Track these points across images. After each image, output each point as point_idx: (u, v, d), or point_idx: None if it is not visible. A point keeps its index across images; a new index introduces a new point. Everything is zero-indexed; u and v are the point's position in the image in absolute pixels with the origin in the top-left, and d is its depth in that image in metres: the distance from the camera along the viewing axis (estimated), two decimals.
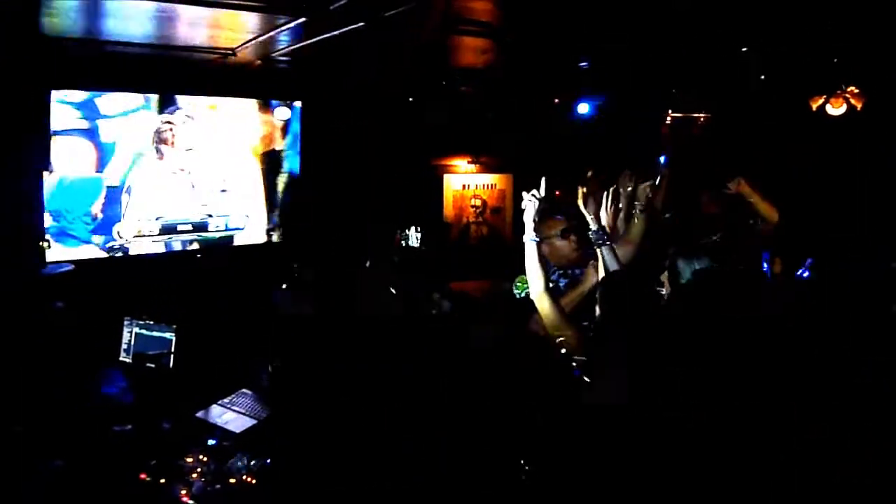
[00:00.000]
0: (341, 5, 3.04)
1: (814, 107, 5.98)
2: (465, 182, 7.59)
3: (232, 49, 4.29)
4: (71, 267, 4.46)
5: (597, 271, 3.36)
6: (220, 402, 3.58)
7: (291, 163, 5.89)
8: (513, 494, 2.83)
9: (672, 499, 2.27)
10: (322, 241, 5.90)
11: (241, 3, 3.12)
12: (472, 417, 3.18)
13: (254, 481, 2.99)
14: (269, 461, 3.05)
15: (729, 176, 3.90)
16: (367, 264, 4.57)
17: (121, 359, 4.02)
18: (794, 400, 2.38)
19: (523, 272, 3.24)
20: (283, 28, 3.59)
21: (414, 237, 5.68)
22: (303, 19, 3.36)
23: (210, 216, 5.45)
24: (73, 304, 4.20)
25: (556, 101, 6.65)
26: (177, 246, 5.27)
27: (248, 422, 3.40)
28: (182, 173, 5.26)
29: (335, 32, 3.66)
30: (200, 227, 5.41)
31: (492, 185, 7.71)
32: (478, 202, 7.65)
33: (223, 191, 5.51)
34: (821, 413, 2.36)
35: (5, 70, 4.13)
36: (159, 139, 5.08)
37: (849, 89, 5.78)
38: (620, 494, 2.33)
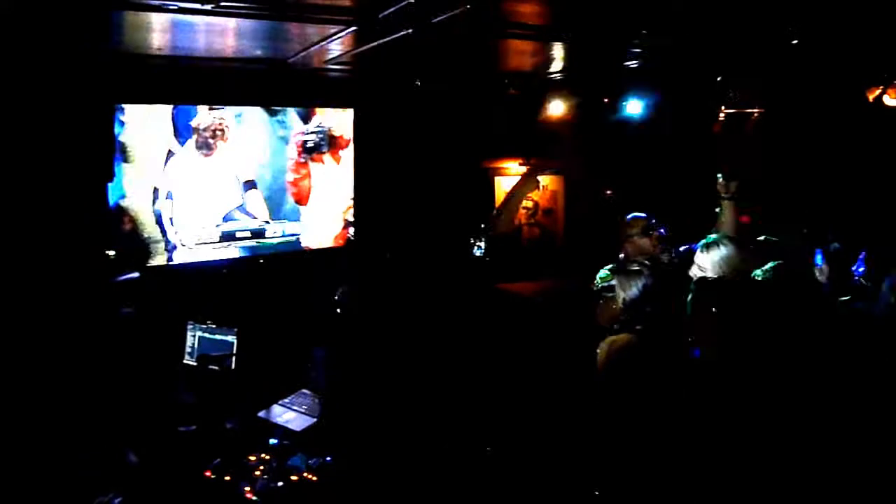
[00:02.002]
0: (390, 13, 3.10)
1: (871, 98, 5.82)
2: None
3: (285, 59, 4.41)
4: (137, 275, 4.64)
5: None
6: (280, 401, 3.68)
7: (346, 169, 6.00)
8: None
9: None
10: (379, 245, 6.01)
11: (294, 14, 3.21)
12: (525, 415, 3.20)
13: (315, 479, 3.06)
14: (329, 459, 3.13)
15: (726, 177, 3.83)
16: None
17: (185, 362, 4.15)
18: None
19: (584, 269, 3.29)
20: (335, 38, 3.68)
21: (478, 248, 5.74)
22: (353, 28, 3.45)
23: (267, 223, 5.59)
24: (141, 310, 4.37)
25: (606, 100, 6.60)
26: (238, 253, 5.42)
27: (308, 420, 3.48)
28: (239, 181, 5.41)
29: (385, 40, 3.73)
30: (258, 233, 5.55)
31: (543, 187, 7.70)
32: (529, 204, 7.64)
33: (279, 199, 5.64)
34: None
35: (72, 83, 4.31)
36: (208, 145, 5.23)
37: None
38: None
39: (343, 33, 3.56)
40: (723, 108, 7.05)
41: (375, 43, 3.86)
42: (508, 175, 7.49)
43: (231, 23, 3.40)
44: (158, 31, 3.67)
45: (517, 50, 4.51)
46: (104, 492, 2.37)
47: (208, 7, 2.97)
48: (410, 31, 3.43)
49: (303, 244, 5.82)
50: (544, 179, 7.66)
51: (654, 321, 2.96)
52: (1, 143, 4.29)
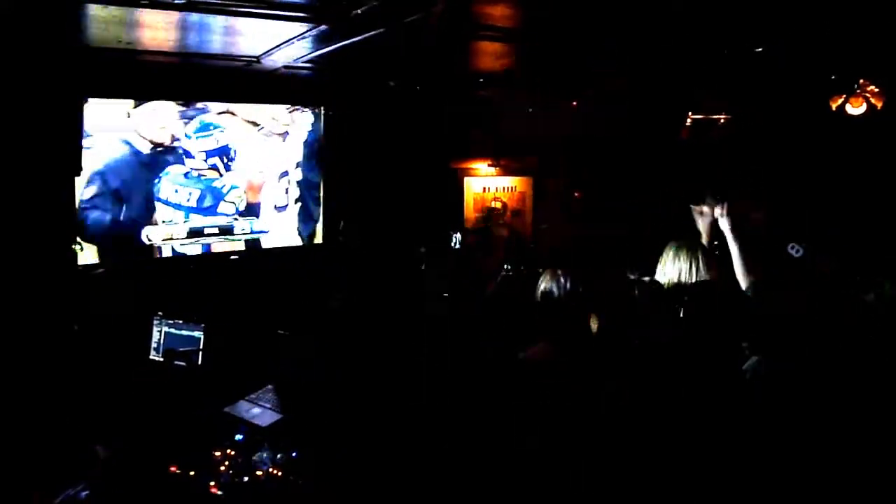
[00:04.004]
0: (363, 12, 3.13)
1: (833, 106, 5.96)
2: (486, 185, 7.66)
3: (256, 56, 4.41)
4: (103, 269, 4.61)
5: None
6: (247, 397, 3.69)
7: (315, 168, 6.00)
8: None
9: None
10: (350, 242, 6.02)
11: (264, 11, 3.22)
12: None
13: (280, 474, 3.07)
14: (294, 454, 3.14)
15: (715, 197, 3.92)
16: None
17: (151, 357, 4.14)
18: None
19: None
20: (306, 35, 3.69)
21: (456, 240, 5.79)
22: (324, 27, 3.46)
23: (236, 220, 5.57)
24: (107, 304, 4.35)
25: (574, 103, 6.69)
26: (201, 249, 5.39)
27: (274, 416, 3.50)
28: (207, 177, 5.38)
29: (356, 39, 3.75)
30: (226, 230, 5.53)
31: (512, 188, 7.78)
32: (498, 205, 7.72)
33: (247, 196, 5.62)
34: None
35: (37, 78, 4.26)
36: (185, 143, 5.21)
37: (868, 88, 5.76)
38: None
39: (314, 31, 3.57)
40: (689, 113, 7.18)
41: (347, 42, 3.87)
42: (477, 175, 7.56)
43: (203, 18, 3.39)
44: (128, 25, 3.64)
45: (488, 51, 4.55)
46: (72, 484, 2.37)
47: (181, 1, 2.96)
48: (382, 30, 3.45)
49: (268, 242, 5.80)
50: (513, 181, 7.74)
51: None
52: None
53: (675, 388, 2.55)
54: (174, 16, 3.26)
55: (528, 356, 3.04)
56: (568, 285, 3.05)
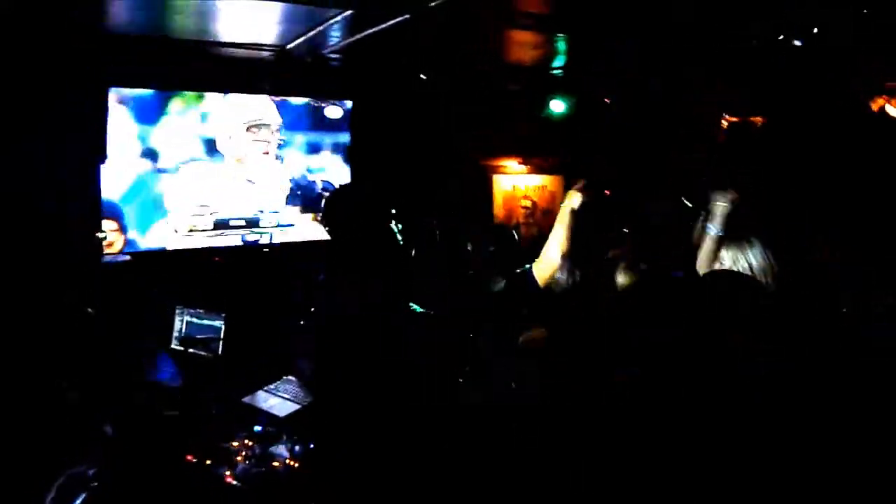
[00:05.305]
0: None
1: (874, 108, 5.78)
2: (515, 183, 7.56)
3: (283, 46, 4.38)
4: (127, 258, 4.61)
5: None
6: (266, 387, 3.65)
7: (342, 161, 5.96)
8: None
9: None
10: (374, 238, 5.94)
11: None
12: None
13: (297, 465, 3.02)
14: (312, 445, 3.09)
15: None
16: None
17: (172, 346, 4.12)
18: None
19: None
20: (332, 21, 3.65)
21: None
22: (350, 12, 3.41)
23: (262, 212, 5.55)
24: (129, 292, 4.35)
25: (606, 100, 6.58)
26: (229, 241, 5.38)
27: (292, 407, 3.45)
28: (237, 168, 5.37)
29: (382, 26, 3.69)
30: (252, 222, 5.51)
31: (542, 187, 7.67)
32: (528, 203, 7.61)
33: (274, 187, 5.60)
34: None
35: (61, 65, 4.28)
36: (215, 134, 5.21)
37: None
38: None
39: (339, 17, 3.52)
40: (725, 115, 7.02)
41: (374, 29, 3.82)
42: (507, 173, 7.46)
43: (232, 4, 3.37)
44: (157, 10, 3.65)
45: (517, 41, 4.48)
46: (76, 463, 2.33)
47: None
48: (408, 16, 3.40)
49: (294, 235, 5.77)
50: (543, 179, 7.63)
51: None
52: None
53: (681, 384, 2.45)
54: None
55: (524, 340, 3.00)
56: (577, 276, 3.00)
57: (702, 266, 3.19)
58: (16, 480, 2.36)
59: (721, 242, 3.20)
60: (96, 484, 2.24)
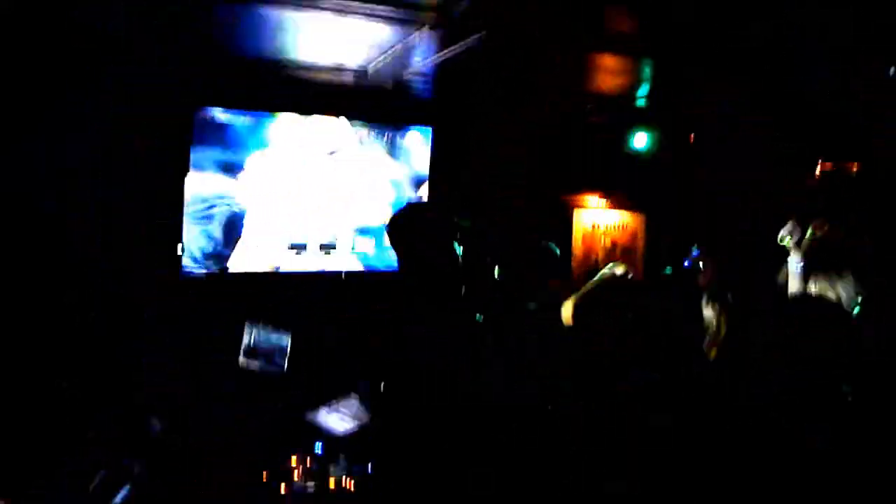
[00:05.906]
0: (463, 8, 3.04)
1: None
2: (595, 220, 7.37)
3: (363, 67, 4.41)
4: (204, 273, 4.68)
5: None
6: (329, 405, 3.59)
7: (420, 189, 5.94)
8: None
9: None
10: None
11: (366, 11, 3.19)
12: None
13: (352, 486, 2.94)
14: (369, 467, 3.00)
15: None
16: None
17: (240, 361, 4.13)
18: None
19: None
20: (408, 40, 3.64)
21: None
22: (426, 27, 3.39)
23: (337, 238, 5.57)
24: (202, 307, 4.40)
25: (691, 135, 6.37)
26: (304, 265, 5.40)
27: (353, 426, 3.38)
28: (314, 192, 5.42)
29: (462, 45, 3.66)
30: (328, 247, 5.53)
31: (623, 226, 7.45)
32: (607, 241, 7.41)
33: (351, 213, 5.62)
34: None
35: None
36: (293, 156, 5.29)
37: None
38: None
39: (416, 33, 3.51)
40: (820, 160, 6.68)
41: (452, 50, 3.80)
42: (587, 208, 7.29)
43: (304, 21, 3.41)
44: (244, 31, 3.73)
45: (598, 66, 4.38)
46: (122, 456, 2.31)
47: None
48: (484, 32, 3.35)
49: (368, 263, 5.75)
50: (622, 215, 7.42)
51: None
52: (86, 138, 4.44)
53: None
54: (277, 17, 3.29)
55: None
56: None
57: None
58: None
59: (809, 274, 3.08)
60: (139, 478, 2.21)
